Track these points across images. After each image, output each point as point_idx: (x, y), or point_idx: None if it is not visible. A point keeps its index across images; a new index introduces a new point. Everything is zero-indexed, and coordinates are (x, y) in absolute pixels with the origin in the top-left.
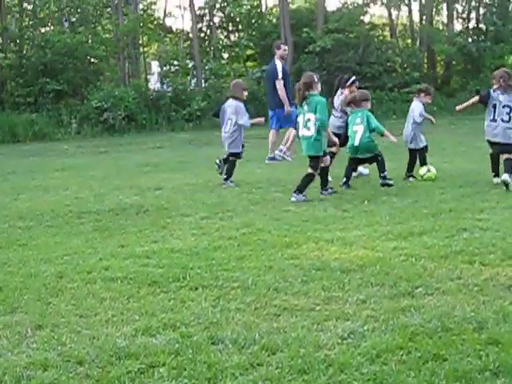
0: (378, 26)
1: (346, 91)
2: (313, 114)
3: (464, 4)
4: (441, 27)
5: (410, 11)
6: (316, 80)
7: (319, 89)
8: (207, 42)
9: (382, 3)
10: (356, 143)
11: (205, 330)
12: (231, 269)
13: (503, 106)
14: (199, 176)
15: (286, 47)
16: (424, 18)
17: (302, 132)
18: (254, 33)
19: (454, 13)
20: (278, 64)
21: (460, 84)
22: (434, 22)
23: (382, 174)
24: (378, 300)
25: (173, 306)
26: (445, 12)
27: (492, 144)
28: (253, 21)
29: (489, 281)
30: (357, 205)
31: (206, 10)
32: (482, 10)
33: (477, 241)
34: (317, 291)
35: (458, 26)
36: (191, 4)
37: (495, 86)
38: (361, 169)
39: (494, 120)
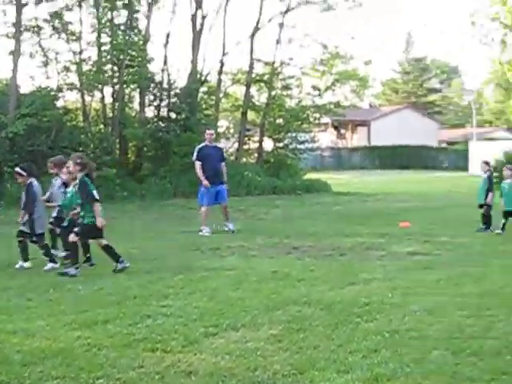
0: (72, 110)
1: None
2: None
3: (156, 92)
4: (133, 114)
5: (102, 97)
6: None
7: None
8: None
9: (76, 88)
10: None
11: None
12: None
13: None
14: None
15: (212, 131)
16: (117, 104)
17: None
18: None
19: (146, 100)
20: (197, 147)
21: (151, 170)
22: (127, 109)
23: None
24: None
25: None
26: (137, 99)
27: None
28: None
29: (170, 368)
30: (41, 293)
31: None
32: (172, 99)
33: (160, 327)
34: None
35: (150, 113)
36: None
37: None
38: None
39: None
